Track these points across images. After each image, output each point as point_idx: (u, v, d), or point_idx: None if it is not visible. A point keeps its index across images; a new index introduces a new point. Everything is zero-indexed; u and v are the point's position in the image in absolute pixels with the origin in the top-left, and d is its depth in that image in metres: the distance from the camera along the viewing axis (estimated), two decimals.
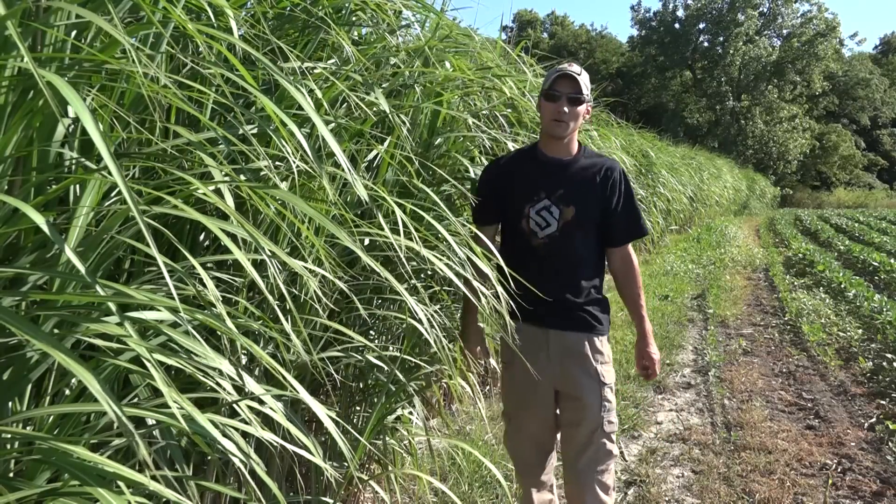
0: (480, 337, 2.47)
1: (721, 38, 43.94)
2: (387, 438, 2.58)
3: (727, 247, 14.07)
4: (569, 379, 2.31)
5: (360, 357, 2.35)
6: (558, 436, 2.44)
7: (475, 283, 2.10)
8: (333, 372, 2.24)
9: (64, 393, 1.42)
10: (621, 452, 3.80)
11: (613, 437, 2.33)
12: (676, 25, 46.09)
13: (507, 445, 2.52)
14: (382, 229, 1.83)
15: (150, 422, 1.44)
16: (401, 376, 2.24)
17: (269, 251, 1.35)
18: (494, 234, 2.49)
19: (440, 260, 1.98)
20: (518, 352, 2.30)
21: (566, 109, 2.24)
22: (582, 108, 2.28)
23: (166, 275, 1.03)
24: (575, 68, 2.29)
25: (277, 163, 1.88)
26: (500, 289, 2.10)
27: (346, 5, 2.34)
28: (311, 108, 1.42)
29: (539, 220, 2.31)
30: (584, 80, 2.28)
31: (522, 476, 2.49)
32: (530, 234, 2.32)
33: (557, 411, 2.40)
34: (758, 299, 8.93)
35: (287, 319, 1.48)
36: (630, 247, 2.43)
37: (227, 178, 1.51)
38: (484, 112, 3.10)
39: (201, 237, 1.86)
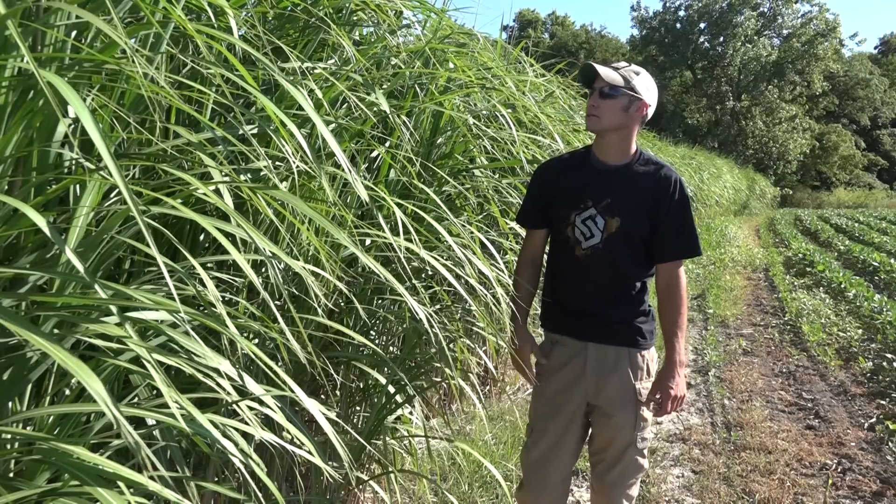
0: (531, 341, 2.36)
1: (721, 39, 43.91)
2: (387, 438, 2.58)
3: (727, 247, 14.07)
4: (604, 395, 2.21)
5: (360, 358, 2.35)
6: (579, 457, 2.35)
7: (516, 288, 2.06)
8: (333, 372, 2.24)
9: (64, 393, 1.42)
10: None
11: (646, 451, 2.26)
12: (678, 25, 46.06)
13: (522, 458, 2.37)
14: (382, 230, 1.83)
15: (150, 422, 1.44)
16: (402, 376, 2.24)
17: (270, 252, 1.35)
18: (544, 239, 2.38)
19: (440, 261, 1.98)
20: (553, 364, 2.26)
21: (595, 103, 2.13)
22: (619, 103, 2.12)
23: (167, 275, 1.03)
24: (620, 63, 2.18)
25: (277, 163, 1.88)
26: (499, 291, 2.09)
27: (347, 5, 2.34)
28: (311, 109, 1.42)
29: (584, 229, 2.20)
30: (626, 73, 2.14)
31: (528, 488, 2.32)
32: (574, 243, 2.21)
33: (589, 430, 2.32)
34: (758, 299, 8.94)
35: (286, 320, 1.48)
36: (681, 268, 2.24)
37: (226, 179, 1.50)
38: (484, 112, 3.10)
39: (202, 237, 1.86)
